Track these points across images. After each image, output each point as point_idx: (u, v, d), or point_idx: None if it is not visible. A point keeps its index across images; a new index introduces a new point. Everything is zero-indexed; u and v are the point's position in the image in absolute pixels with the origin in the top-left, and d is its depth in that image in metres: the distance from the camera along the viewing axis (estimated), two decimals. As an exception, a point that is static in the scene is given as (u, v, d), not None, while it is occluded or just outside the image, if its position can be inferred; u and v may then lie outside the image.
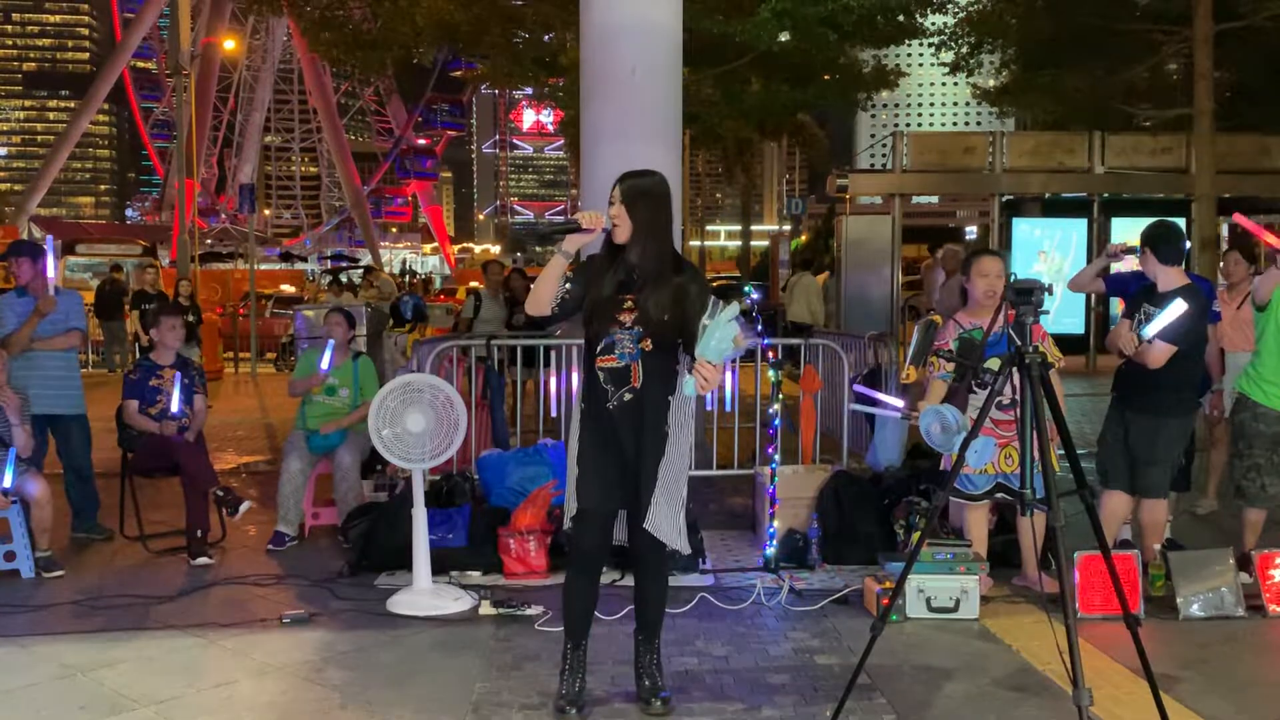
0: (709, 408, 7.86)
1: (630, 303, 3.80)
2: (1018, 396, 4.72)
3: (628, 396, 3.80)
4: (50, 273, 6.57)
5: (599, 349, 3.83)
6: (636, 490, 3.85)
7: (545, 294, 3.84)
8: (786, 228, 39.88)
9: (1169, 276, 5.31)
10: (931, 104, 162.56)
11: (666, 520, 3.84)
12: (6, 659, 4.59)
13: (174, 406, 6.55)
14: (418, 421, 5.24)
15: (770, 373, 6.18)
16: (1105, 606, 4.93)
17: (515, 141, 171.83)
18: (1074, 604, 3.30)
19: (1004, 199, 17.51)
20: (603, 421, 3.85)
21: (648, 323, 3.77)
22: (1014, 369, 3.65)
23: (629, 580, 4.63)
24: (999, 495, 5.32)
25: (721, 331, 3.56)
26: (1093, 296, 15.79)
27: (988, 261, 5.39)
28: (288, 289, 27.51)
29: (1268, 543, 5.45)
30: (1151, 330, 5.02)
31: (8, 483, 5.79)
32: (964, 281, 5.51)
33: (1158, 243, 5.37)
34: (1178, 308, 4.93)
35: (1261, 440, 5.48)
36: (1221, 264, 7.49)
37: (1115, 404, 5.51)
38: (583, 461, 3.87)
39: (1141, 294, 5.43)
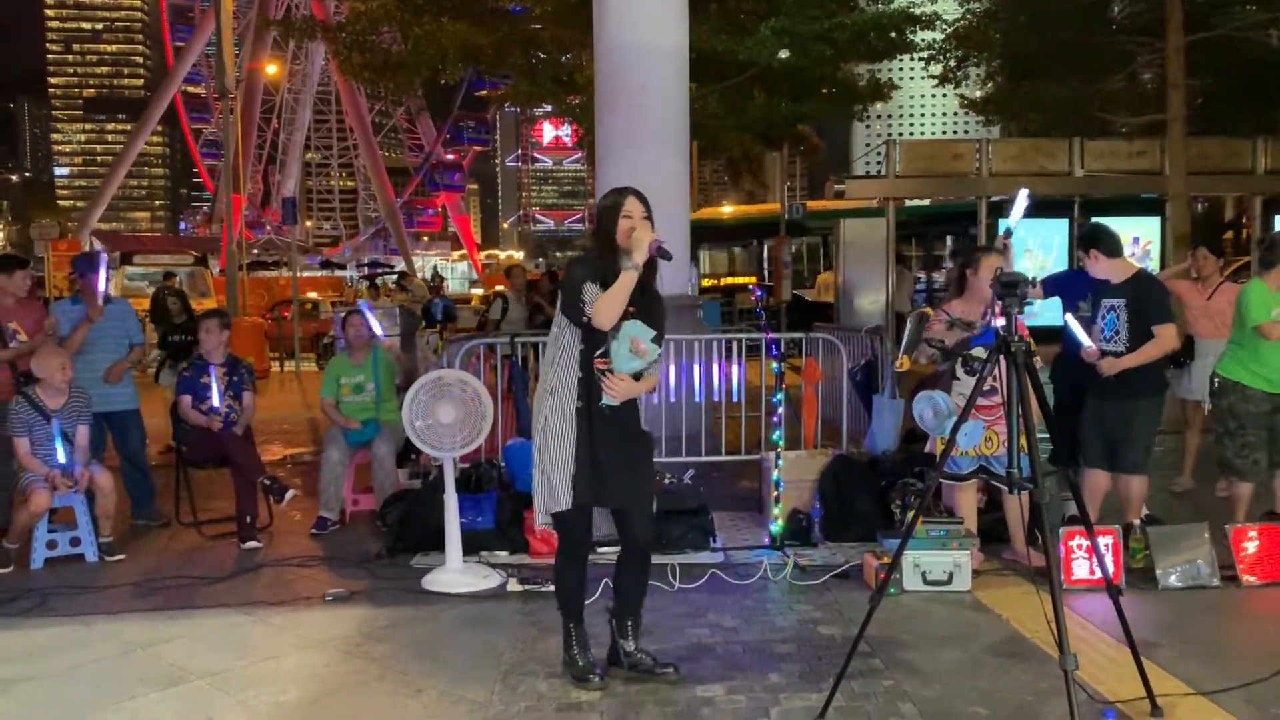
0: (716, 398, 7.84)
1: (631, 310, 3.76)
2: (996, 384, 4.72)
3: (617, 403, 3.79)
4: (101, 285, 6.59)
5: (600, 351, 3.78)
6: (630, 484, 3.84)
7: (618, 310, 3.69)
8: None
9: (1118, 267, 5.32)
10: (922, 114, 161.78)
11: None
12: (73, 636, 4.61)
13: (214, 400, 6.58)
14: (448, 413, 5.26)
15: (774, 365, 6.16)
16: (1089, 578, 4.91)
17: (536, 155, 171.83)
18: (1059, 575, 3.27)
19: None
20: (599, 420, 3.79)
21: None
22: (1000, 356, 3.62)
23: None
24: (981, 475, 5.31)
25: (619, 345, 3.68)
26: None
27: (995, 258, 5.38)
28: (312, 296, 27.63)
29: (1245, 516, 5.41)
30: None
31: (62, 458, 5.82)
32: (969, 275, 5.44)
33: (1100, 240, 5.34)
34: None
35: (1253, 419, 5.46)
36: (1190, 258, 7.43)
37: (1087, 394, 5.45)
38: (580, 457, 3.77)
39: (1085, 293, 5.42)
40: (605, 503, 3.89)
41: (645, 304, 3.82)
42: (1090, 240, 5.37)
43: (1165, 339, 5.23)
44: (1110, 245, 5.31)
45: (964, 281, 5.43)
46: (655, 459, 4.04)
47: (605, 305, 3.68)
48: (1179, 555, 5.07)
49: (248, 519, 6.26)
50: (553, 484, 3.79)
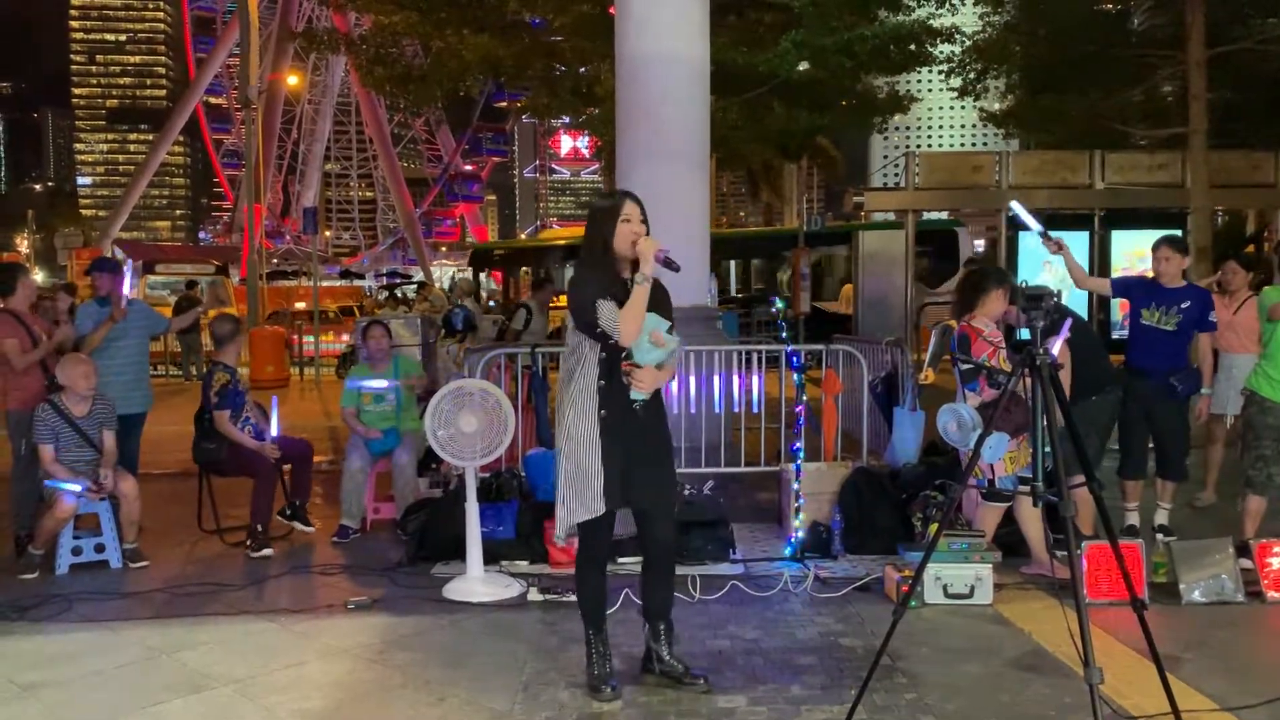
0: (736, 409, 7.83)
1: None
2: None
3: (648, 396, 3.81)
4: (125, 289, 6.67)
5: (625, 355, 3.78)
6: (654, 485, 3.85)
7: (639, 323, 3.68)
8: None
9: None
10: (941, 126, 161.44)
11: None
12: (98, 642, 4.65)
13: (273, 431, 6.60)
14: (470, 423, 5.28)
15: (794, 376, 6.15)
16: (1111, 592, 4.88)
17: (554, 166, 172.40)
18: (1084, 588, 3.26)
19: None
20: (630, 423, 3.79)
21: None
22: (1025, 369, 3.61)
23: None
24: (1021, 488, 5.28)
25: (640, 340, 3.73)
26: (1094, 299, 15.62)
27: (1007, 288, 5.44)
28: (300, 306, 27.27)
29: (1266, 532, 5.37)
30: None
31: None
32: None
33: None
34: None
35: (1270, 432, 5.45)
36: (1219, 272, 7.40)
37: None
38: (609, 463, 3.75)
39: (1150, 301, 5.96)
40: (632, 504, 3.87)
41: (655, 298, 3.78)
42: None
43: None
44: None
45: (975, 296, 5.36)
46: (675, 470, 4.05)
47: (626, 323, 3.67)
48: (1203, 570, 5.04)
49: (259, 527, 6.26)
50: (581, 492, 3.76)
